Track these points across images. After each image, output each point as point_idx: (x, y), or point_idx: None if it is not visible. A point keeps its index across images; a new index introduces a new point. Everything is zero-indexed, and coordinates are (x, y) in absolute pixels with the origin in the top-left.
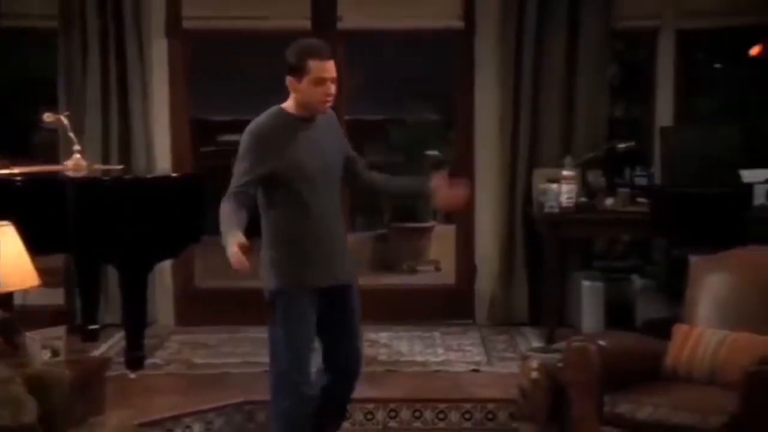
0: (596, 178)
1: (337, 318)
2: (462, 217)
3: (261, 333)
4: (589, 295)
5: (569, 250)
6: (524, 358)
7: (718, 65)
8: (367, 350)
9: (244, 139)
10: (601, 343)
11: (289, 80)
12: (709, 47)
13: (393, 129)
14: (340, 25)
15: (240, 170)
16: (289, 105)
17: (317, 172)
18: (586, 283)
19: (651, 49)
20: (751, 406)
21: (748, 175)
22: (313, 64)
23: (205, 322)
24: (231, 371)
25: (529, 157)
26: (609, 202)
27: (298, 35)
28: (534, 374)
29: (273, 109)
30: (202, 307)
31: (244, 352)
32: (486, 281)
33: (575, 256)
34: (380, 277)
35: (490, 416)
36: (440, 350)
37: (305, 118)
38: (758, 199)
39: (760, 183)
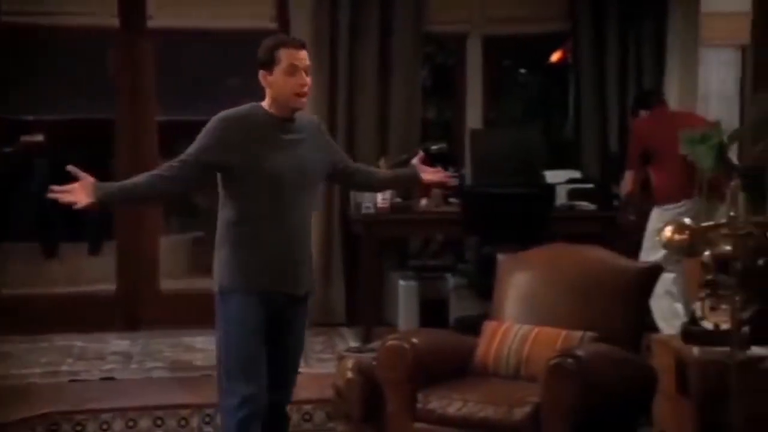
0: None
1: (278, 330)
2: None
3: (65, 341)
4: (404, 294)
5: (385, 250)
6: (340, 358)
7: (522, 70)
8: (182, 355)
9: (209, 122)
10: (414, 341)
11: (261, 75)
12: (514, 53)
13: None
14: (150, 24)
15: (191, 147)
16: (265, 103)
17: (285, 175)
18: (401, 283)
19: (460, 53)
20: (552, 397)
21: (551, 176)
22: (283, 53)
23: (7, 331)
24: (35, 382)
25: None
26: (423, 202)
27: (105, 33)
28: (349, 374)
29: (250, 103)
30: (2, 316)
31: (48, 362)
32: None
33: (391, 256)
34: (197, 281)
35: (306, 417)
36: None
37: (283, 118)
38: (560, 199)
39: (561, 183)
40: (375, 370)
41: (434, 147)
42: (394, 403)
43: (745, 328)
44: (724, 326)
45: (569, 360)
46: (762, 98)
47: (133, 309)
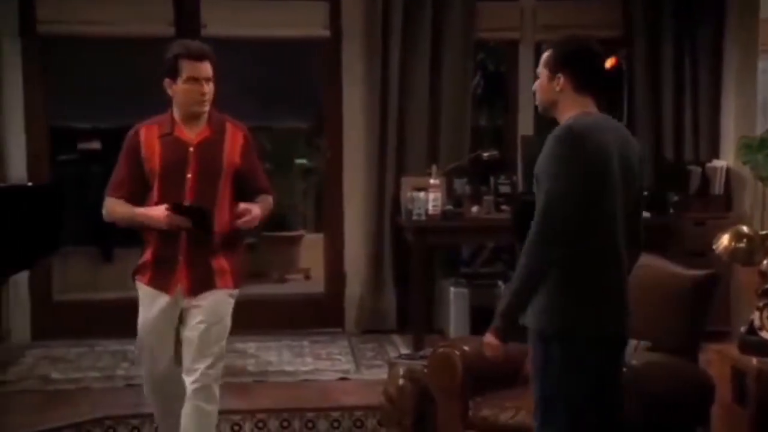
0: (462, 186)
1: None
2: (331, 225)
3: (120, 346)
4: (455, 301)
5: (437, 257)
6: (391, 365)
7: None
8: (235, 361)
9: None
10: (466, 348)
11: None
12: None
13: (260, 137)
14: (203, 32)
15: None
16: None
17: None
18: (452, 290)
19: (512, 60)
20: None
21: None
22: None
23: (63, 335)
24: (90, 386)
25: (396, 164)
26: (474, 209)
27: (161, 41)
28: (400, 381)
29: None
30: (59, 321)
31: (103, 366)
32: (355, 288)
33: (443, 263)
34: (249, 287)
35: (358, 424)
36: (309, 359)
37: None
38: None
39: None
40: (426, 378)
41: (486, 154)
42: (446, 411)
43: None
44: None
45: (623, 369)
46: None
47: None
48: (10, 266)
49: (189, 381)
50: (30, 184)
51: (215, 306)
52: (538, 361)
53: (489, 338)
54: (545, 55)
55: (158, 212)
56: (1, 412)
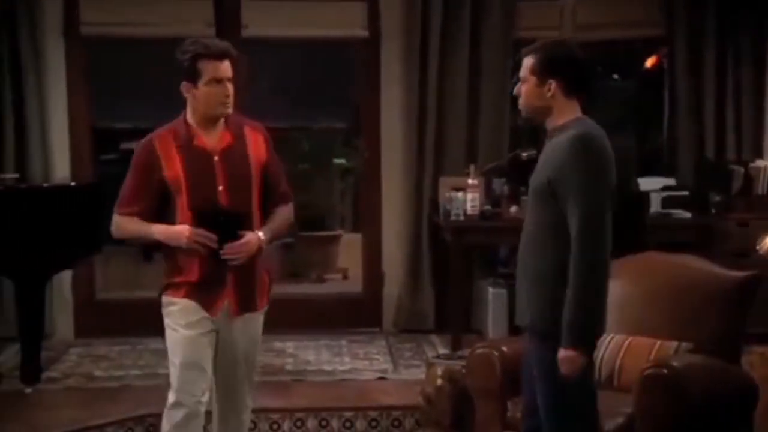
0: (500, 186)
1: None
2: (369, 225)
3: (161, 344)
4: (494, 302)
5: (475, 257)
6: (429, 365)
7: (616, 76)
8: (273, 360)
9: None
10: (504, 349)
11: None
12: (607, 59)
13: (299, 137)
14: (244, 33)
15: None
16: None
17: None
18: (491, 290)
19: None
20: (645, 407)
21: (645, 183)
22: None
23: (106, 334)
24: (132, 384)
25: (434, 164)
26: (513, 209)
27: None
28: (438, 381)
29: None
30: (102, 319)
31: (145, 364)
32: (393, 288)
33: (481, 263)
34: (288, 286)
35: (396, 423)
36: (347, 358)
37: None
38: (654, 207)
39: (655, 191)
40: (464, 378)
41: (524, 154)
42: (484, 411)
43: None
44: None
45: (663, 370)
46: None
47: None
48: (54, 265)
49: (224, 395)
50: (73, 183)
51: (255, 337)
52: (548, 363)
53: (571, 354)
54: (529, 60)
55: (180, 229)
56: (45, 409)
